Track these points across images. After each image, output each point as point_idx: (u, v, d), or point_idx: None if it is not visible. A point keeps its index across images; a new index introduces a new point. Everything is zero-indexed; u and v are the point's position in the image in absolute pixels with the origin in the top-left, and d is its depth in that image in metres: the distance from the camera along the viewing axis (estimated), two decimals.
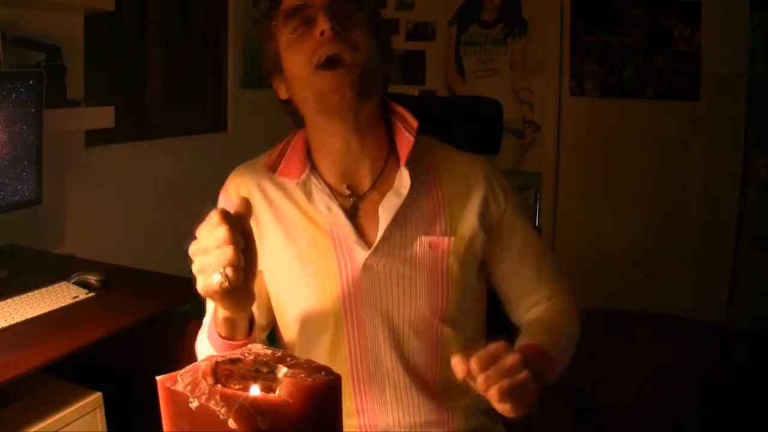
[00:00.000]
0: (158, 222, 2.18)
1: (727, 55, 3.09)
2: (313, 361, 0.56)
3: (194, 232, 0.65)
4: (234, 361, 0.56)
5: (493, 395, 0.65)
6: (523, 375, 0.66)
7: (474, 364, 0.65)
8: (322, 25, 0.82)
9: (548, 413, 1.24)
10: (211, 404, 0.49)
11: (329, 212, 0.89)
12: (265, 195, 0.93)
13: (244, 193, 0.93)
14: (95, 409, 1.18)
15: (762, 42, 3.09)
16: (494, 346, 0.67)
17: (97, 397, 1.18)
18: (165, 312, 1.29)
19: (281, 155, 0.93)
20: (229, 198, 0.95)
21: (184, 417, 0.51)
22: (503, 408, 0.66)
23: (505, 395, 0.65)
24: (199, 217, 0.67)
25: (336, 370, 0.90)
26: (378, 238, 0.89)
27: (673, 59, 3.25)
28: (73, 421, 1.13)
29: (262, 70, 0.95)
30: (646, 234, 3.34)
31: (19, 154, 1.43)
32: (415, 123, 0.91)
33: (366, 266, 0.89)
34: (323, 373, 0.53)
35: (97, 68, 1.97)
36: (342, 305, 0.89)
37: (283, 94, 0.93)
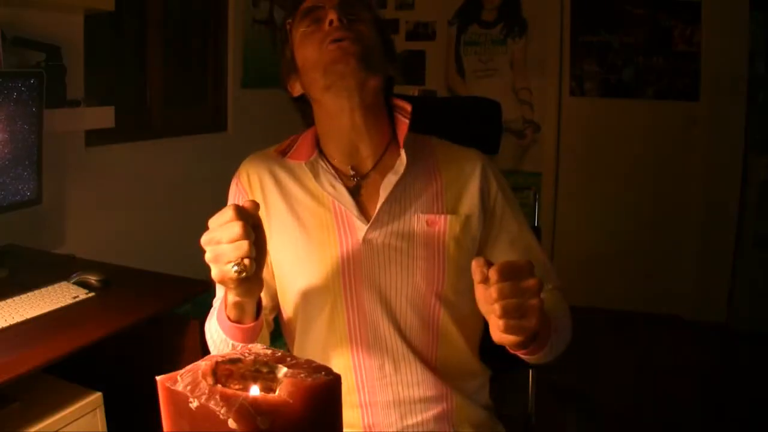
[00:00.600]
0: (158, 222, 2.18)
1: (727, 55, 3.09)
2: (313, 361, 0.56)
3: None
4: (234, 361, 0.56)
5: (497, 308, 0.65)
6: (535, 301, 0.66)
7: (493, 271, 0.65)
8: (331, 16, 0.92)
9: (548, 413, 1.24)
10: (211, 404, 0.49)
11: (333, 190, 0.95)
12: (275, 177, 0.99)
13: (255, 177, 0.99)
14: (95, 409, 1.18)
15: (762, 42, 3.09)
16: (519, 263, 0.67)
17: (97, 397, 1.18)
18: (165, 312, 1.29)
19: (292, 143, 1.01)
20: (240, 183, 1.00)
21: (184, 417, 0.51)
22: (501, 324, 0.66)
23: (511, 313, 0.65)
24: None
25: (335, 342, 0.93)
26: (376, 210, 0.93)
27: (673, 59, 3.26)
28: (73, 421, 1.13)
29: (279, 77, 1.03)
30: (646, 234, 3.34)
31: (19, 154, 1.43)
32: (408, 107, 0.98)
33: (366, 241, 0.93)
34: (323, 373, 0.53)
35: (97, 68, 1.97)
36: (341, 278, 0.93)
37: (297, 91, 1.00)
